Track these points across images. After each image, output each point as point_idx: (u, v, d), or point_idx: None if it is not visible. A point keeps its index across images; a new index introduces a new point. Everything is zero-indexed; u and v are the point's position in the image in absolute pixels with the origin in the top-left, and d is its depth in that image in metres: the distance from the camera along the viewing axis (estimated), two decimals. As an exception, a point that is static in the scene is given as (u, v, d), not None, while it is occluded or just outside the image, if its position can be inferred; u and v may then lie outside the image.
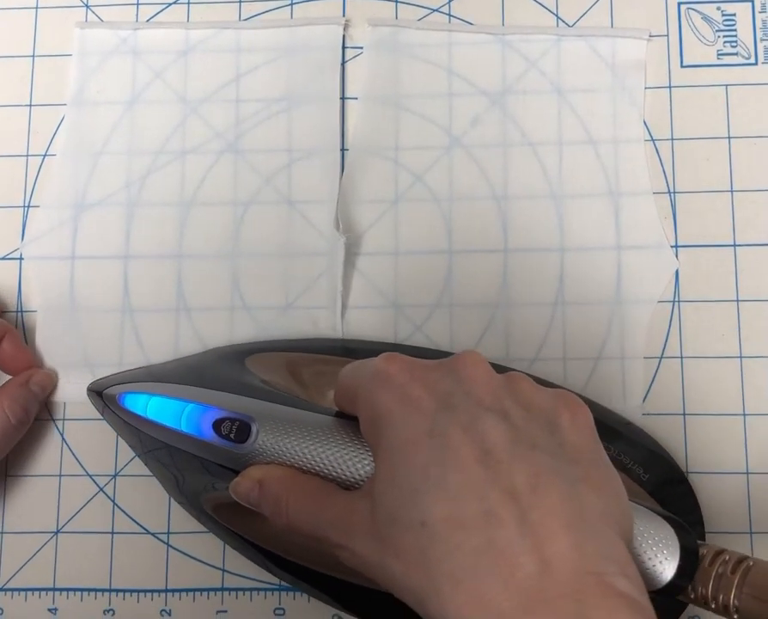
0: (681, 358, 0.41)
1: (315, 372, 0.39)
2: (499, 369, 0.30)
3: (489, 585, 0.24)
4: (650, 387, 0.41)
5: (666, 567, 0.29)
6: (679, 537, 0.30)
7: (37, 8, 0.46)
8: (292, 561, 0.37)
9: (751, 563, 0.29)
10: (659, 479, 0.38)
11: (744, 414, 0.41)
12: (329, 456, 0.31)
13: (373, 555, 0.28)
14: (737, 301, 0.41)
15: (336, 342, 0.42)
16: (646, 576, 0.29)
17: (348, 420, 0.32)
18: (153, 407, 0.37)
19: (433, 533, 0.25)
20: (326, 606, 0.40)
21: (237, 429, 0.34)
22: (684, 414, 0.41)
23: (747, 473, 0.40)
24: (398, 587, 0.27)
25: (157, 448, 0.38)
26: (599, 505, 0.26)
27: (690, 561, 0.30)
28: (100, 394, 0.40)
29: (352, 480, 0.31)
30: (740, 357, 0.41)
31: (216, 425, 0.35)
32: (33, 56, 0.45)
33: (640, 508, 0.30)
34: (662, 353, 0.41)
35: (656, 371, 0.41)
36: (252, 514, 0.33)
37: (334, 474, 0.31)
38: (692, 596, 0.30)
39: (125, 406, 0.38)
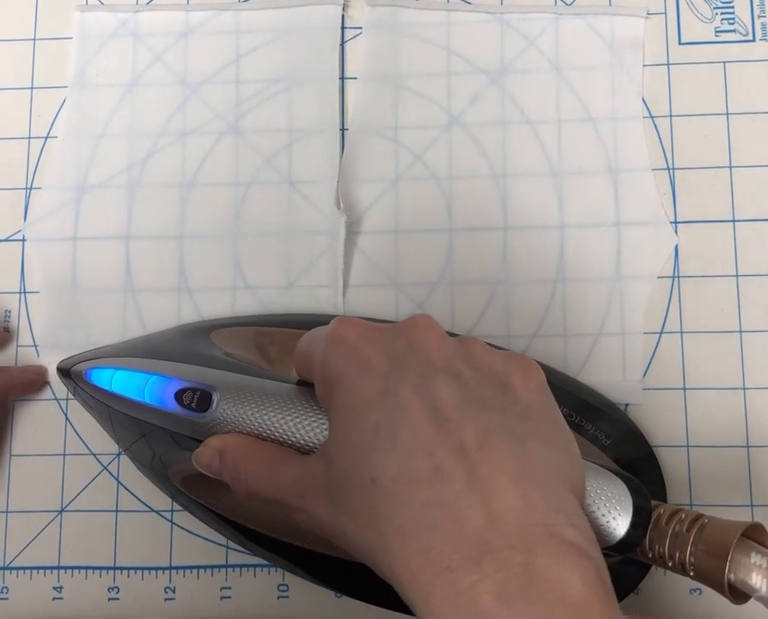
0: (681, 333, 0.42)
1: (281, 346, 0.39)
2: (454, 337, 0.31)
3: (437, 539, 0.24)
4: (650, 362, 0.41)
5: (619, 523, 0.29)
6: (631, 494, 0.30)
7: (38, -9, 0.46)
8: (260, 533, 0.38)
9: (706, 521, 0.30)
10: (623, 447, 0.39)
11: (744, 388, 0.41)
12: (287, 423, 0.32)
13: (327, 516, 0.28)
14: (736, 276, 0.42)
15: (308, 317, 0.42)
16: (600, 532, 0.29)
17: (307, 388, 0.33)
18: (118, 380, 0.37)
19: (383, 490, 0.26)
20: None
21: (198, 399, 0.34)
22: (684, 389, 0.41)
23: (748, 446, 0.40)
24: (352, 546, 0.27)
25: (124, 422, 0.38)
26: (548, 460, 0.26)
27: (642, 517, 0.30)
28: (68, 371, 0.40)
29: (310, 444, 0.31)
30: (740, 331, 0.41)
31: (178, 396, 0.35)
32: (35, 39, 0.46)
33: (593, 466, 0.31)
34: (662, 329, 0.42)
35: (656, 347, 0.42)
36: (218, 485, 0.33)
37: (293, 439, 0.32)
38: (650, 554, 0.30)
39: (92, 381, 0.38)
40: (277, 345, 0.40)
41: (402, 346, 0.29)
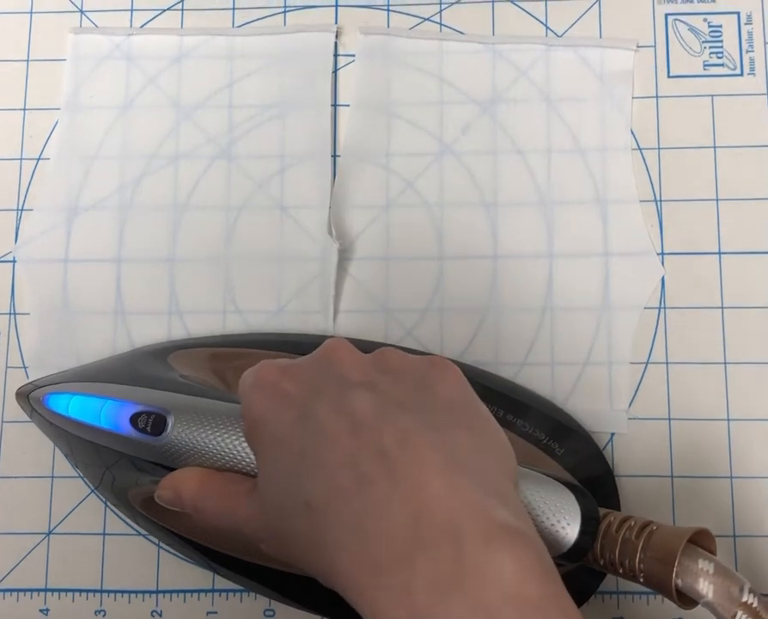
0: (667, 363, 0.42)
1: (238, 367, 0.39)
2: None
3: (370, 544, 0.25)
4: (636, 392, 0.42)
5: (568, 532, 0.30)
6: (579, 502, 0.31)
7: (31, 12, 0.46)
8: (226, 555, 0.38)
9: (654, 527, 0.30)
10: (579, 461, 0.39)
11: (728, 419, 0.41)
12: (241, 444, 0.32)
13: (277, 549, 0.29)
14: (722, 308, 0.42)
15: (266, 336, 0.43)
16: (549, 541, 0.30)
17: None
18: (74, 405, 0.38)
19: (317, 510, 0.26)
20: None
21: (153, 422, 0.35)
22: (669, 419, 0.41)
23: (731, 477, 0.41)
24: (306, 571, 0.28)
25: (82, 447, 0.38)
26: (473, 444, 0.27)
27: (591, 525, 0.31)
28: (26, 396, 0.40)
29: None
30: (725, 363, 0.42)
31: (133, 420, 0.35)
32: (28, 60, 0.46)
33: (540, 475, 0.31)
34: (648, 359, 0.42)
35: (642, 377, 0.42)
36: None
37: (246, 461, 0.32)
38: (602, 562, 0.31)
39: (49, 406, 0.39)
40: (233, 366, 0.40)
41: (317, 370, 0.30)
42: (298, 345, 0.42)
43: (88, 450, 0.38)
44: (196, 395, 0.36)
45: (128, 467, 0.37)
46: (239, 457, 0.33)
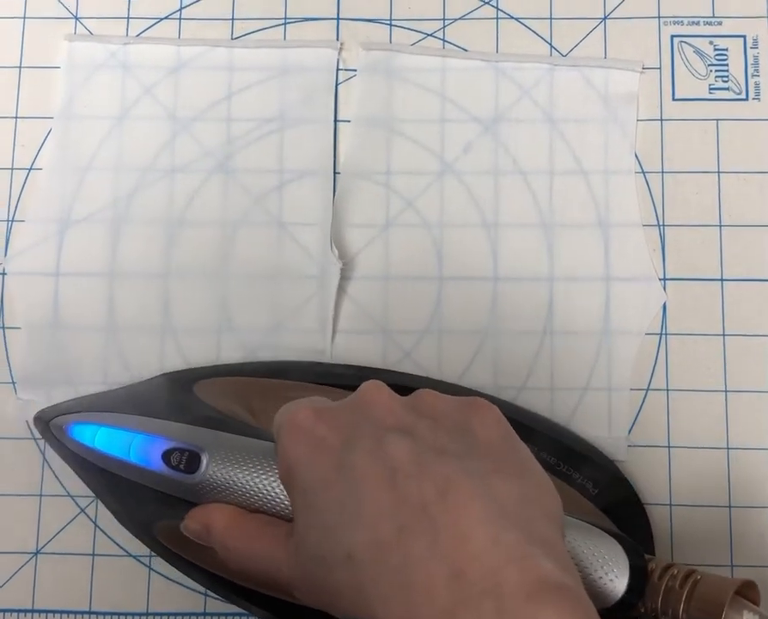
0: (667, 390, 0.42)
1: (265, 397, 0.39)
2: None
3: (413, 599, 0.24)
4: (636, 419, 0.41)
5: (616, 585, 0.30)
6: (627, 554, 0.30)
7: (25, 18, 0.45)
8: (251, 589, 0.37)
9: (699, 577, 0.30)
10: (611, 496, 0.39)
11: (728, 448, 0.41)
12: (279, 485, 0.32)
13: (314, 599, 0.29)
14: (723, 335, 0.42)
15: (291, 364, 0.42)
16: (598, 594, 0.29)
17: None
18: (101, 438, 0.37)
19: (359, 562, 0.26)
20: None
21: (187, 460, 0.34)
22: (669, 447, 0.41)
23: (730, 506, 0.41)
24: None
25: (108, 480, 0.38)
26: (516, 491, 0.26)
27: (639, 578, 0.30)
28: (47, 423, 0.39)
29: None
30: (725, 391, 0.41)
31: (166, 456, 0.35)
32: (20, 67, 0.45)
33: (586, 525, 0.31)
34: (649, 385, 0.42)
35: (642, 403, 0.42)
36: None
37: (285, 503, 0.32)
38: (642, 609, 0.31)
39: (73, 436, 0.38)
40: (260, 396, 0.39)
41: (353, 415, 0.29)
42: (325, 374, 0.41)
43: (115, 483, 0.37)
44: (229, 431, 0.35)
45: (156, 501, 0.36)
46: (276, 500, 0.32)
